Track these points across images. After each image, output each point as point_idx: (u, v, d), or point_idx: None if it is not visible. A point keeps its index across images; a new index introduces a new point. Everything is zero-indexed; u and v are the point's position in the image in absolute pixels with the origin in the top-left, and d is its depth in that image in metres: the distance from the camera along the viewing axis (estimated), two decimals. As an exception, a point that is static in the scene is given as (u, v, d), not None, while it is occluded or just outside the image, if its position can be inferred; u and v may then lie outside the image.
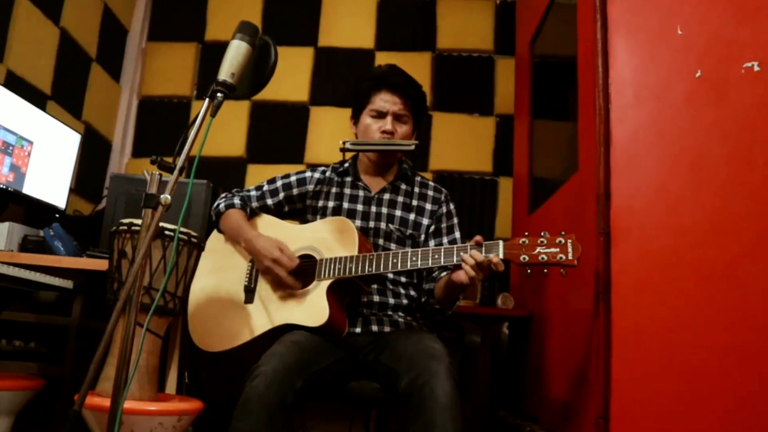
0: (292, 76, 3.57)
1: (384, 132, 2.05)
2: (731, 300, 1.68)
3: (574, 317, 2.03)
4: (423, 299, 2.04)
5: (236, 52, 1.59)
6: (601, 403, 1.71)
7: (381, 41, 3.62)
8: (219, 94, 1.57)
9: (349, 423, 2.63)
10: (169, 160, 1.57)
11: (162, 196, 1.47)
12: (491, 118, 3.48)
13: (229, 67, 1.58)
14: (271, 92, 3.55)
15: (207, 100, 1.57)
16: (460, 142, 3.46)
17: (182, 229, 1.75)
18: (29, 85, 2.81)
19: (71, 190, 2.97)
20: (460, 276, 1.72)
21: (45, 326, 2.30)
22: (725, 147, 1.77)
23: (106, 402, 1.51)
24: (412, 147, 2.04)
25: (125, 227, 1.75)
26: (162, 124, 3.56)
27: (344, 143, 2.04)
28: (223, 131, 3.47)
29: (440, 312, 1.98)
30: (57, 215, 2.70)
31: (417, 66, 3.51)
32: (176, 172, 1.52)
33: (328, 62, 3.59)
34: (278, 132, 3.54)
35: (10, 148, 2.41)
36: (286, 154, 3.46)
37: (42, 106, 2.85)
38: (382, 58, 3.48)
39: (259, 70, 1.70)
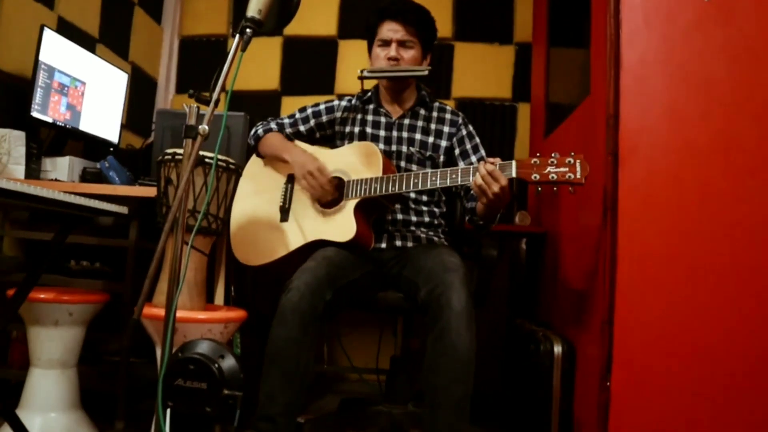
0: (320, 11, 3.52)
1: (389, 59, 2.04)
2: (733, 214, 1.67)
3: (584, 233, 2.05)
4: (467, 218, 2.07)
5: (263, -11, 1.58)
6: (606, 309, 1.74)
7: (404, -26, 3.51)
8: (248, 30, 1.57)
9: (380, 330, 2.74)
10: (207, 94, 1.60)
11: (200, 126, 1.50)
12: (511, 46, 3.38)
13: (256, 4, 1.58)
14: (302, 28, 3.51)
15: (237, 36, 1.58)
16: (481, 71, 3.39)
17: (220, 157, 1.80)
18: (79, 30, 2.83)
19: (123, 126, 3.03)
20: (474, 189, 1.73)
21: (107, 248, 2.40)
22: (732, 69, 1.72)
23: (161, 312, 1.59)
24: (425, 72, 2.04)
25: (169, 156, 1.80)
26: (202, 62, 3.58)
27: (362, 72, 2.06)
28: (258, 66, 3.48)
29: (485, 227, 1.98)
30: (111, 149, 2.77)
31: (439, -2, 3.42)
32: (212, 104, 1.55)
33: (354, -3, 3.52)
34: (309, 65, 3.52)
35: (65, 88, 2.45)
36: (318, 85, 3.45)
37: (92, 48, 2.87)
38: (406, -9, 3.39)
39: (284, 5, 1.70)
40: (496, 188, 1.67)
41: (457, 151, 2.11)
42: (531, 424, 2.15)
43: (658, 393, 1.65)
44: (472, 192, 2.00)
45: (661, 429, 1.64)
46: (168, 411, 1.27)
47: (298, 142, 2.18)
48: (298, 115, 2.21)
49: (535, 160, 1.69)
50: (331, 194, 1.96)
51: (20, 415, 1.83)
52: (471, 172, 1.76)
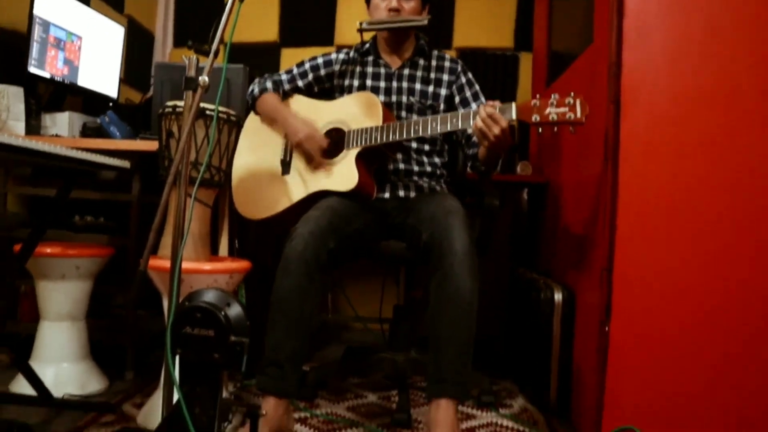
0: (319, -40, 3.46)
1: (390, 9, 2.02)
2: (732, 163, 1.66)
3: (585, 182, 2.05)
4: (469, 164, 2.09)
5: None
6: (605, 257, 1.76)
7: None
8: (246, -22, 1.55)
9: (383, 279, 2.78)
10: (206, 46, 1.59)
11: (200, 78, 1.50)
12: (513, -6, 3.34)
13: (252, -48, 1.55)
14: (300, -22, 3.46)
15: (235, -16, 1.55)
16: (483, 20, 3.34)
17: (221, 108, 1.79)
18: (71, -19, 2.78)
19: (122, 81, 3.01)
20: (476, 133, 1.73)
21: (110, 203, 2.42)
22: (735, 17, 1.69)
23: (167, 263, 1.62)
24: (425, 22, 2.02)
25: (170, 109, 1.80)
26: (199, 14, 3.53)
27: (361, 24, 2.04)
28: (257, 18, 3.43)
29: (487, 173, 2.01)
30: (110, 104, 2.76)
31: (440, -56, 3.35)
32: (211, 55, 1.54)
33: (353, -55, 3.44)
34: (308, 16, 3.48)
35: (62, 43, 2.43)
36: (317, 37, 3.42)
37: (86, 1, 2.82)
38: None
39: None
40: (496, 131, 1.67)
41: (457, 99, 2.11)
42: (532, 369, 2.20)
43: (655, 338, 1.69)
44: (473, 139, 2.01)
45: (658, 373, 1.68)
46: (176, 358, 1.30)
47: (297, 96, 2.17)
48: (295, 71, 2.19)
49: (534, 101, 1.69)
50: (323, 159, 1.97)
51: (33, 366, 1.88)
52: (471, 116, 1.76)
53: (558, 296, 2.08)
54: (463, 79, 2.13)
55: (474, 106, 2.09)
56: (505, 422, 2.01)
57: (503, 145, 1.71)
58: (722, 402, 1.62)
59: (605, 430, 1.71)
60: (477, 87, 2.14)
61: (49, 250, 1.99)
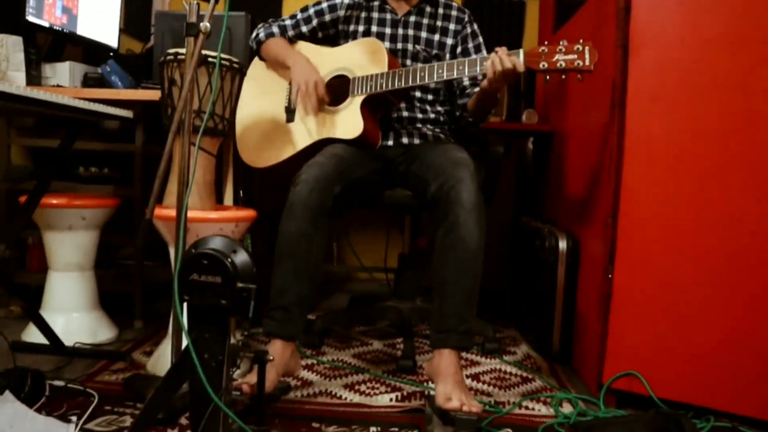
0: None
1: None
2: (741, 110, 1.61)
3: (592, 130, 2.03)
4: (458, 113, 2.07)
5: None
6: (610, 204, 1.75)
7: None
8: None
9: (387, 229, 2.79)
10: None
11: (202, 24, 1.47)
12: (520, -64, 3.23)
13: None
14: None
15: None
16: (489, -35, 3.25)
17: (223, 56, 1.76)
18: (67, -74, 2.70)
19: (122, 31, 2.96)
20: (483, 82, 1.73)
21: (114, 154, 2.41)
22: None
23: (173, 212, 1.63)
24: None
25: (171, 56, 1.77)
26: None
27: None
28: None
29: (474, 125, 2.00)
30: (111, 54, 2.72)
31: None
32: (212, 1, 1.51)
33: None
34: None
35: (59, -11, 2.38)
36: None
37: (82, -53, 2.76)
38: None
39: None
40: (508, 64, 1.65)
41: (459, 49, 2.09)
42: (536, 316, 2.22)
43: (658, 285, 1.69)
44: (467, 90, 1.99)
45: (660, 320, 1.69)
46: (184, 305, 1.31)
47: (300, 43, 2.13)
48: (299, 16, 2.15)
49: (543, 48, 1.66)
50: (317, 109, 1.94)
51: (43, 316, 1.91)
52: (477, 63, 1.73)
53: (562, 244, 2.08)
54: (469, 30, 2.10)
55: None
56: (509, 368, 2.05)
57: (505, 81, 1.70)
58: (723, 349, 1.63)
59: (607, 376, 1.74)
60: (480, 39, 2.11)
61: (55, 201, 1.99)
